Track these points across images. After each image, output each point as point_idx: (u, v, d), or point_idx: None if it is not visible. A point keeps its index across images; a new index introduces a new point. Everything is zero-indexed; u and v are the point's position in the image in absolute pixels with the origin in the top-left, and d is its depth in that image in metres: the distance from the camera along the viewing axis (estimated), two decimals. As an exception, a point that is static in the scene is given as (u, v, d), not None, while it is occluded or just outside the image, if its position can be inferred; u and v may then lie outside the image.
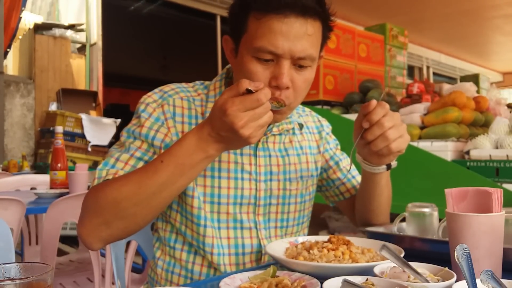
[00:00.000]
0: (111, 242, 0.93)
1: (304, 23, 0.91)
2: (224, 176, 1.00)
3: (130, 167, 0.95)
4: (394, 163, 1.01)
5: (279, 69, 0.91)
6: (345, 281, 0.61)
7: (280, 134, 1.09)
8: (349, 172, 1.21)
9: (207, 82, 1.10)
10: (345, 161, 1.22)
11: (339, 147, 1.26)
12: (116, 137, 4.72)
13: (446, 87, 3.44)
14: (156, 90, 1.05)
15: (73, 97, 4.91)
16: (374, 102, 0.91)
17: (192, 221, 1.01)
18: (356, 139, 0.94)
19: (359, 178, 1.19)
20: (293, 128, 1.12)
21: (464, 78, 4.91)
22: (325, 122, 1.25)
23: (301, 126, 1.15)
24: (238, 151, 1.02)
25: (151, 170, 0.85)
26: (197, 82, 1.11)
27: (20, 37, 5.10)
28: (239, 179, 1.01)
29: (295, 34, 0.90)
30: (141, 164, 0.96)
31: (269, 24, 0.90)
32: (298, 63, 0.93)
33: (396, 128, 0.91)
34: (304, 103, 1.27)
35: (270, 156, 1.06)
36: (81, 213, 0.92)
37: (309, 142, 1.16)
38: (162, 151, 0.96)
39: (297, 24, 0.90)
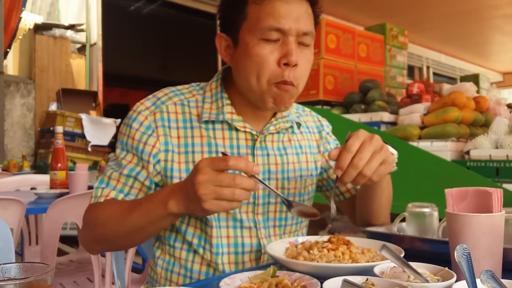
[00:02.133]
0: (105, 251, 1.02)
1: (301, 2, 0.96)
2: None
3: (122, 184, 0.99)
4: (393, 168, 0.99)
5: (287, 47, 0.94)
6: (345, 281, 0.61)
7: (278, 133, 1.09)
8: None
9: (203, 84, 1.10)
10: None
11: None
12: (116, 137, 4.72)
13: (446, 87, 3.44)
14: (149, 96, 1.06)
15: (73, 97, 4.91)
16: (335, 151, 0.88)
17: (193, 218, 1.02)
18: (334, 186, 0.94)
19: None
20: (291, 127, 1.12)
21: (464, 78, 4.92)
22: (325, 122, 1.25)
23: (298, 125, 1.15)
24: (235, 150, 1.02)
25: (130, 209, 0.90)
26: (193, 84, 1.11)
27: (20, 37, 5.10)
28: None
29: (297, 13, 0.95)
30: (130, 181, 0.99)
31: (272, 5, 0.93)
32: (301, 40, 0.96)
33: (373, 160, 0.86)
34: (304, 103, 1.27)
35: (268, 155, 1.06)
36: (82, 224, 1.02)
37: (309, 141, 1.16)
38: (150, 165, 0.98)
39: (296, 3, 0.95)
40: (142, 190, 1.00)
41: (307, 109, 1.25)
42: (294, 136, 1.13)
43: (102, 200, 0.98)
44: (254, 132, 1.04)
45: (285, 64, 0.93)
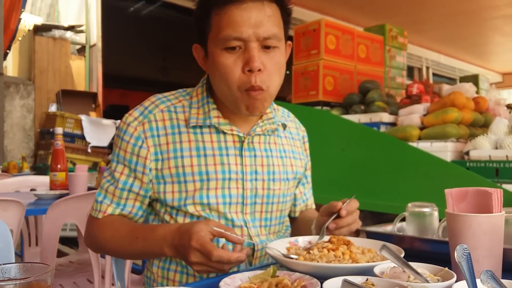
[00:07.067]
0: None
1: (261, 6, 0.96)
2: (212, 177, 1.02)
3: (117, 198, 1.05)
4: None
5: (248, 53, 0.95)
6: (345, 281, 0.61)
7: (264, 134, 1.11)
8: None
9: (190, 89, 1.12)
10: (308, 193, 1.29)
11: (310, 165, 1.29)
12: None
13: (446, 88, 3.44)
14: (138, 106, 1.08)
15: (72, 98, 4.92)
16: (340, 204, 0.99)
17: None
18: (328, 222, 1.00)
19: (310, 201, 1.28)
20: (277, 129, 1.14)
21: (464, 79, 4.91)
22: (304, 131, 1.28)
23: (284, 126, 1.17)
24: (224, 152, 1.04)
25: (128, 241, 0.99)
26: (180, 90, 1.13)
27: (19, 38, 5.10)
28: (227, 180, 1.03)
29: (255, 18, 0.95)
30: (125, 194, 1.04)
31: (229, 14, 0.95)
32: (265, 44, 0.97)
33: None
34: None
35: (255, 156, 1.08)
36: (85, 231, 1.11)
37: (291, 147, 1.19)
38: (145, 176, 1.03)
39: (255, 8, 0.95)
40: (137, 200, 1.05)
41: (292, 115, 1.28)
42: (278, 140, 1.15)
43: (100, 216, 1.04)
44: (241, 134, 1.06)
45: (249, 71, 0.95)
